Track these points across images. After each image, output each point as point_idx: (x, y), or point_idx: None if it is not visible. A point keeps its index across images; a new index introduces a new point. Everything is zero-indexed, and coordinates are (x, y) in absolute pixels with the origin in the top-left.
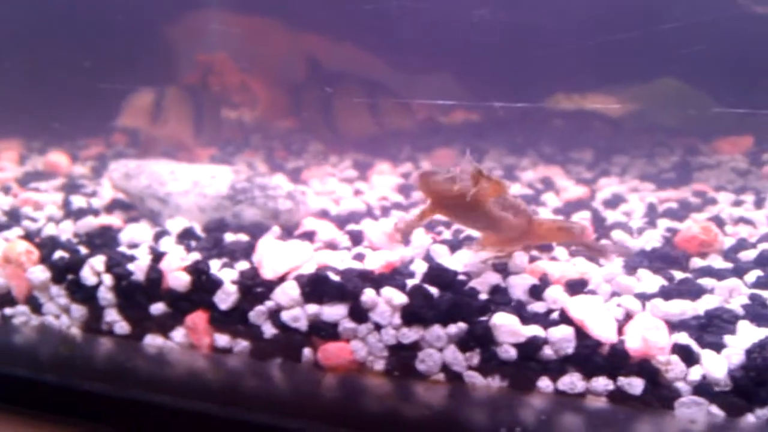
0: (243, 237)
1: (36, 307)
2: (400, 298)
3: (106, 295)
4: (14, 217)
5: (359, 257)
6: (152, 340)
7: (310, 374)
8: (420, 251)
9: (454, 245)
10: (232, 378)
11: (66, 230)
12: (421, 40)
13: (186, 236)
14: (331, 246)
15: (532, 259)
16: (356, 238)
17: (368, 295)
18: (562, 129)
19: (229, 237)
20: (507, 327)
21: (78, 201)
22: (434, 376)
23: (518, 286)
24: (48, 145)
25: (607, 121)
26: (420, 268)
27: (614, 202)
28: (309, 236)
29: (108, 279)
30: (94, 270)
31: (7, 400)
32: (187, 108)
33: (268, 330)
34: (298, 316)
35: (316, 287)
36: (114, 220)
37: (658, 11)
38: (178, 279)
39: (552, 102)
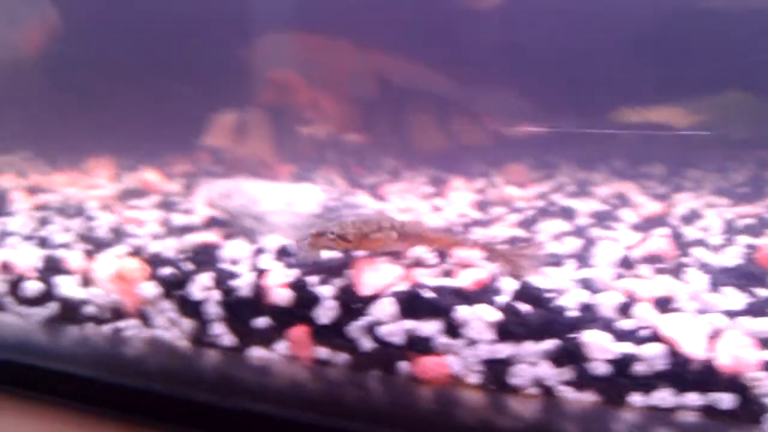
0: (335, 255)
1: (146, 321)
2: (494, 315)
3: (213, 309)
4: (119, 234)
5: (448, 274)
6: (256, 352)
7: (406, 386)
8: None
9: (544, 263)
10: (332, 389)
11: (169, 247)
12: (487, 55)
13: (283, 253)
14: (419, 262)
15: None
16: (442, 255)
17: (462, 312)
18: (630, 143)
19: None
20: (598, 344)
21: (177, 218)
22: (527, 390)
23: (606, 303)
24: (137, 163)
25: (675, 135)
26: (507, 285)
27: (691, 217)
28: (396, 253)
29: (215, 294)
30: (202, 286)
31: (119, 409)
32: (267, 127)
33: (366, 344)
34: (395, 331)
35: (411, 304)
36: (213, 237)
37: (724, 24)
38: (280, 295)
39: (617, 116)
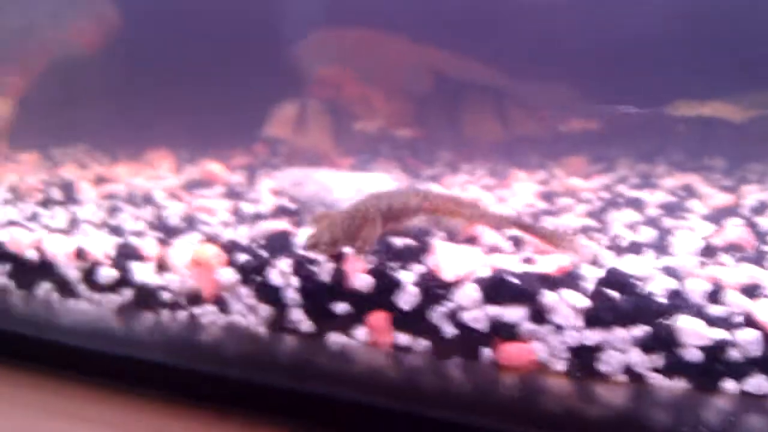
0: (409, 241)
1: (223, 307)
2: (583, 301)
3: (292, 295)
4: (190, 222)
5: (528, 261)
6: (335, 338)
7: (490, 373)
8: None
9: (620, 250)
10: (413, 375)
11: (243, 234)
12: (541, 47)
13: None
14: (496, 250)
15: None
16: (518, 243)
17: (550, 297)
18: (687, 136)
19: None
20: (692, 329)
21: (246, 207)
22: (616, 377)
23: (695, 289)
24: (195, 156)
25: (732, 128)
26: (590, 272)
27: (761, 209)
28: (472, 241)
29: (294, 281)
30: (281, 272)
31: (195, 395)
32: (325, 119)
33: (449, 330)
34: (479, 317)
35: (497, 289)
36: (285, 225)
37: None
38: (361, 280)
39: (672, 109)
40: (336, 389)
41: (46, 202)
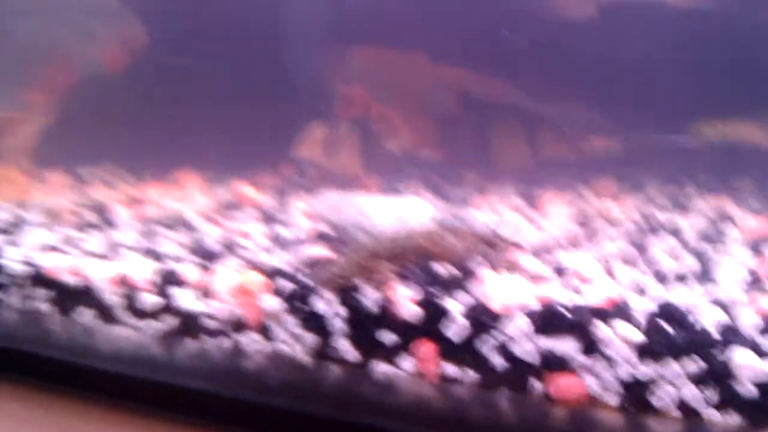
0: (450, 269)
1: (267, 334)
2: (637, 335)
3: (338, 324)
4: (229, 247)
5: (575, 292)
6: (381, 368)
7: (540, 406)
8: (629, 286)
9: (669, 281)
10: (461, 407)
11: (282, 261)
12: (562, 68)
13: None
14: (538, 278)
15: None
16: (560, 271)
17: (604, 331)
18: (711, 157)
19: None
20: (748, 364)
21: (284, 232)
22: (670, 412)
23: (746, 322)
24: (221, 176)
25: (754, 148)
26: (637, 303)
27: None
28: (513, 268)
29: (341, 310)
30: (327, 301)
31: (238, 424)
32: (354, 140)
33: (498, 362)
34: (529, 349)
35: (548, 321)
36: (323, 251)
37: None
38: (409, 310)
39: (694, 130)
40: (381, 419)
41: (82, 226)
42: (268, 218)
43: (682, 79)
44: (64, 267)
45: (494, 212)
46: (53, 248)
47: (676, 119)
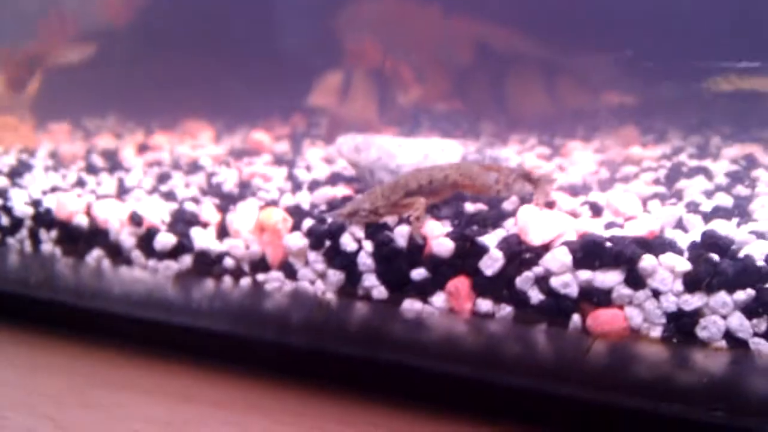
0: (481, 206)
1: (291, 273)
2: (683, 265)
3: (365, 260)
4: (246, 188)
5: (612, 225)
6: (410, 305)
7: (579, 340)
8: (667, 220)
9: (707, 216)
10: (496, 342)
11: (304, 200)
12: (577, 19)
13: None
14: (574, 215)
15: None
16: (596, 209)
17: (648, 261)
18: (731, 109)
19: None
20: None
21: (302, 174)
22: (716, 344)
23: None
24: (232, 127)
25: None
26: (677, 236)
27: None
28: (548, 206)
29: (368, 245)
30: (354, 237)
31: (260, 365)
32: (370, 89)
33: (535, 296)
34: (569, 282)
35: (590, 253)
36: (347, 191)
37: None
38: (442, 245)
39: (711, 84)
40: (410, 357)
41: (91, 169)
42: (284, 163)
43: (701, 32)
44: (73, 208)
45: (522, 157)
46: (61, 190)
47: (695, 72)
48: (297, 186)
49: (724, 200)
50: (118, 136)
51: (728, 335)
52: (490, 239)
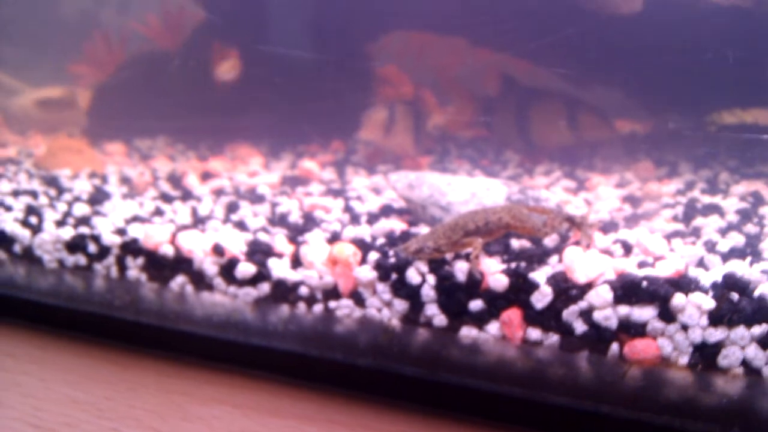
0: (525, 243)
1: (359, 301)
2: (708, 303)
3: (428, 292)
4: (310, 220)
5: (644, 264)
6: (468, 332)
7: (617, 366)
8: (690, 260)
9: (724, 256)
10: (544, 366)
11: (365, 233)
12: (593, 53)
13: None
14: (607, 253)
15: None
16: (627, 247)
17: (679, 299)
18: (733, 143)
19: (513, 243)
20: None
21: (356, 206)
22: (735, 370)
23: None
24: (276, 152)
25: None
26: (700, 274)
27: None
28: (590, 244)
29: (431, 279)
30: (419, 271)
31: (329, 382)
32: (409, 121)
33: (579, 327)
34: (609, 315)
35: (628, 291)
36: (400, 224)
37: None
38: (498, 281)
39: (715, 117)
40: (469, 378)
41: (165, 197)
42: (336, 193)
43: (709, 70)
44: (159, 239)
45: (555, 194)
46: (143, 218)
47: (701, 106)
48: (354, 218)
49: (737, 239)
50: (171, 158)
51: (745, 363)
52: (539, 275)
